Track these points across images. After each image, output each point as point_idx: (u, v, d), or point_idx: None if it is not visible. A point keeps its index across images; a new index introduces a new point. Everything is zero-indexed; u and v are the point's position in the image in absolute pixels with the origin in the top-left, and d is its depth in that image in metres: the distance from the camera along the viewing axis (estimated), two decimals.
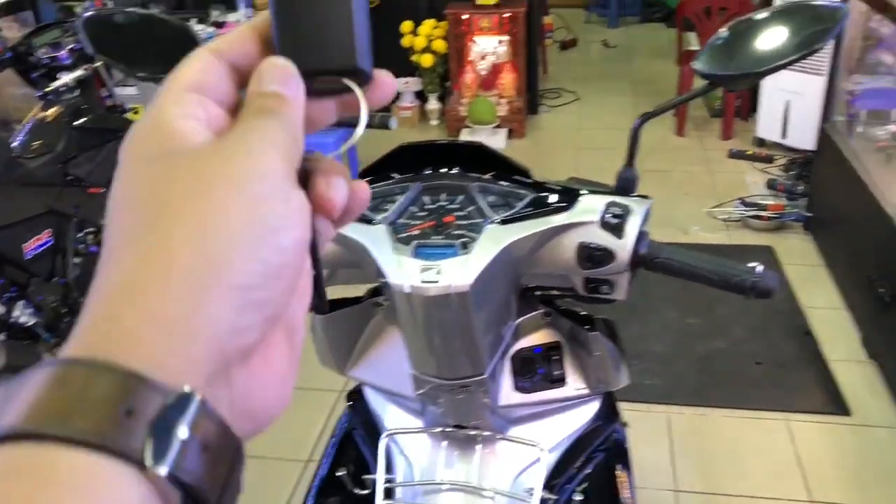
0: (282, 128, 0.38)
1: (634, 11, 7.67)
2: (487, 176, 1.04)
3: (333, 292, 1.17)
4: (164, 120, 0.36)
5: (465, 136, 4.77)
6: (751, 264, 0.98)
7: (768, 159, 4.27)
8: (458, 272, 0.92)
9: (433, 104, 5.08)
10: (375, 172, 1.08)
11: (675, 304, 3.01)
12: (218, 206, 0.34)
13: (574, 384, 1.12)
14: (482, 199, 1.02)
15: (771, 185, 3.88)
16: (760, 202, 3.70)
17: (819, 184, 3.51)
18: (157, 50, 1.03)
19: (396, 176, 1.06)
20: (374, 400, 1.26)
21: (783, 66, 0.89)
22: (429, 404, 1.10)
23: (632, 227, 0.96)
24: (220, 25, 3.74)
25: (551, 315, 1.12)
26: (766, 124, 4.42)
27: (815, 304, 2.97)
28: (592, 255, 0.96)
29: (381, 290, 1.17)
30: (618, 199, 0.98)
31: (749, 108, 4.86)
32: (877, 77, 3.48)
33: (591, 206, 0.98)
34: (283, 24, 0.40)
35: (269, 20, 0.40)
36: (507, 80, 4.79)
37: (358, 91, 0.42)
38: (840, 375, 2.64)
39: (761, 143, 4.51)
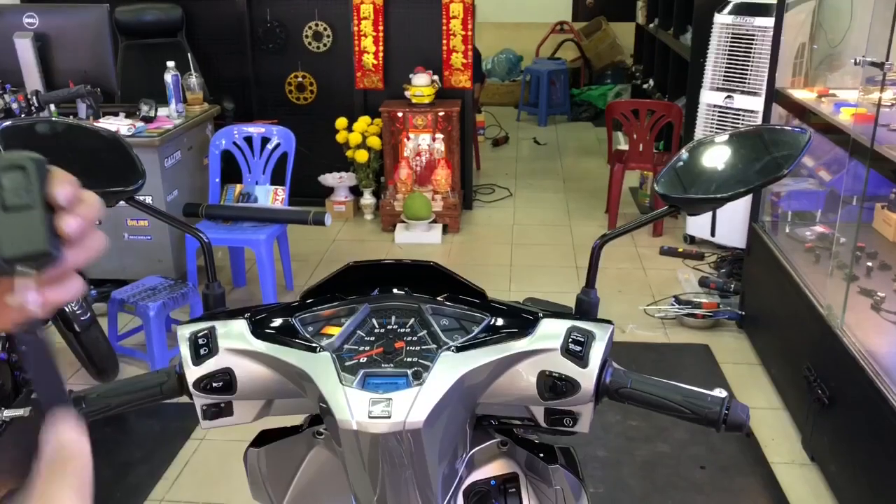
0: None
1: (563, 110, 7.92)
2: (440, 297, 0.98)
3: (268, 423, 1.08)
4: None
5: (400, 231, 4.73)
6: (716, 392, 0.93)
7: (699, 256, 4.36)
8: (411, 407, 0.84)
9: (368, 199, 5.05)
10: (321, 293, 1.00)
11: (616, 407, 2.95)
12: None
13: None
14: (435, 323, 0.95)
15: (703, 282, 3.94)
16: (694, 300, 3.73)
17: (751, 282, 3.57)
18: (84, 162, 0.95)
19: (343, 297, 0.98)
20: None
21: (746, 193, 0.87)
22: None
23: (595, 355, 0.90)
24: (149, 120, 3.65)
25: (507, 444, 1.04)
26: (696, 223, 4.53)
27: (755, 404, 2.96)
28: (555, 385, 0.90)
29: (321, 417, 1.07)
30: (579, 323, 0.93)
31: None
32: (799, 179, 3.61)
33: (551, 332, 0.92)
34: None
35: None
36: (442, 175, 4.81)
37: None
38: (784, 479, 2.60)
39: (691, 240, 4.61)
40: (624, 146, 5.07)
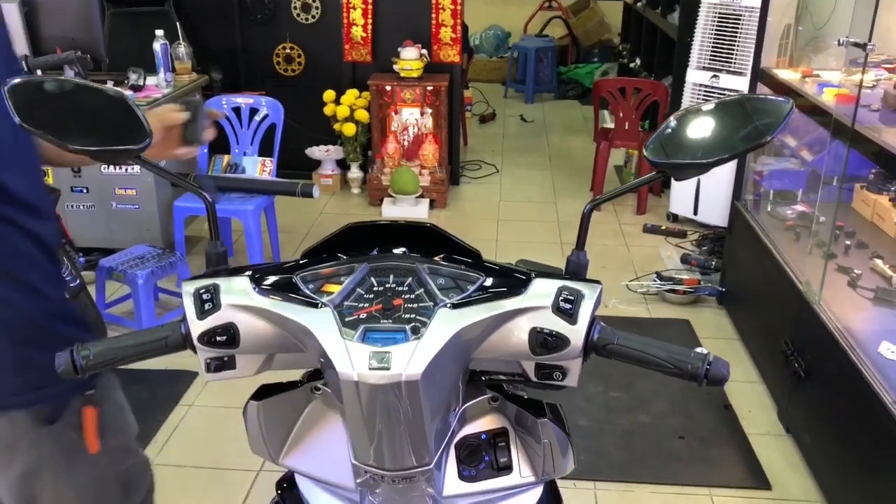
0: None
1: (550, 88, 7.93)
2: (437, 257, 1.01)
3: (268, 377, 1.11)
4: None
5: (387, 205, 4.76)
6: (699, 350, 0.97)
7: (681, 234, 4.42)
8: (409, 360, 0.88)
9: (355, 173, 5.07)
10: (321, 252, 1.03)
11: (597, 378, 3.03)
12: None
13: (521, 472, 1.08)
14: (431, 282, 0.98)
15: (685, 259, 4.00)
16: (676, 276, 3.80)
17: (731, 259, 3.63)
18: (91, 121, 0.97)
19: (343, 256, 1.02)
20: (308, 490, 1.18)
21: (731, 159, 0.91)
22: (368, 495, 1.04)
23: (584, 313, 0.94)
24: (138, 89, 3.64)
25: (498, 400, 1.08)
26: (679, 201, 4.58)
27: (733, 377, 3.01)
28: (545, 341, 0.94)
29: (319, 373, 1.11)
30: (569, 283, 0.97)
31: (662, 184, 5.04)
32: (781, 159, 3.67)
33: (543, 291, 0.96)
34: None
35: None
36: (430, 151, 4.83)
37: None
38: (759, 449, 2.68)
39: (674, 218, 4.67)
40: (610, 124, 5.11)
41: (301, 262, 1.02)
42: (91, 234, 3.70)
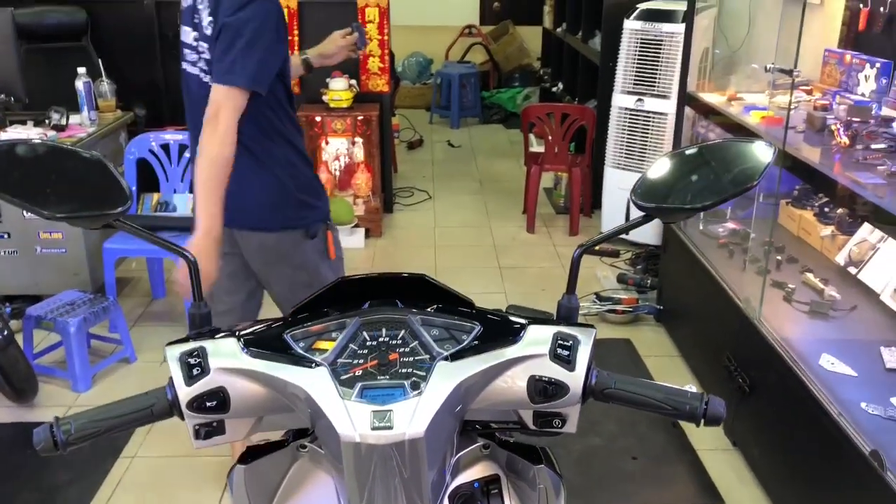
0: None
1: (474, 113, 8.02)
2: (429, 308, 1.00)
3: (252, 439, 1.08)
4: None
5: None
6: (694, 390, 0.99)
7: (615, 254, 4.51)
8: (412, 417, 0.86)
9: None
10: (310, 308, 1.01)
11: None
12: None
13: None
14: (426, 333, 0.97)
15: (621, 279, 4.09)
16: (614, 296, 3.87)
17: (667, 278, 3.73)
18: (68, 186, 0.93)
19: (333, 312, 1.00)
20: None
21: (721, 202, 0.93)
22: None
23: (582, 359, 0.94)
24: (60, 129, 3.51)
25: (489, 447, 1.07)
26: (611, 221, 4.68)
27: None
28: (545, 389, 0.94)
29: (303, 431, 1.08)
30: (564, 329, 0.97)
31: (591, 205, 5.15)
32: None
33: (538, 338, 0.96)
34: None
35: None
36: (362, 180, 4.81)
37: None
38: (709, 464, 2.74)
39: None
40: (538, 148, 5.19)
41: (291, 318, 1.00)
42: (14, 282, 3.53)
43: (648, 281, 3.98)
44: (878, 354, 2.45)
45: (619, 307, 3.79)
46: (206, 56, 1.97)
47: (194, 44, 2.02)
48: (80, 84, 3.58)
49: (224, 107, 1.87)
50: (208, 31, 1.94)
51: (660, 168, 1.00)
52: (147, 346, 3.44)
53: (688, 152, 1.00)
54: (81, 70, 3.63)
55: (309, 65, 2.47)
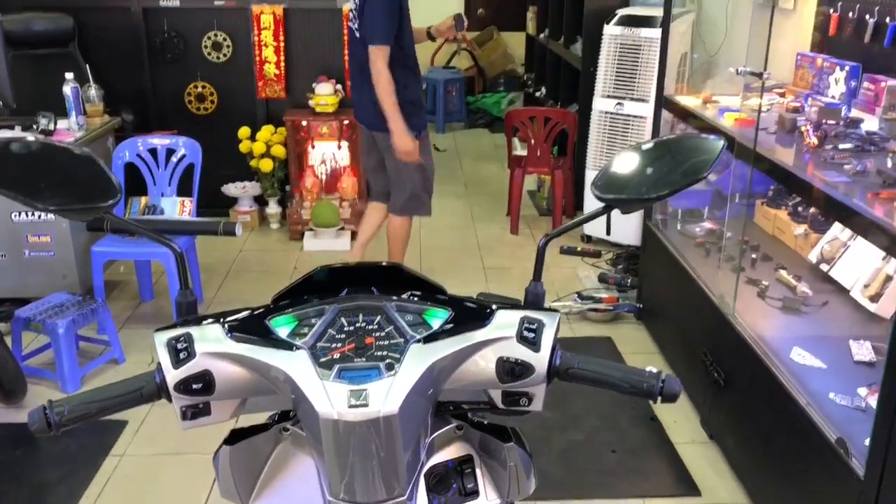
0: None
1: (460, 118, 8.10)
2: (404, 295, 1.07)
3: (236, 422, 1.13)
4: None
5: (308, 239, 4.76)
6: (650, 369, 1.06)
7: (597, 254, 4.58)
8: (386, 395, 0.92)
9: (273, 208, 5.05)
10: (290, 296, 1.07)
11: None
12: None
13: (487, 496, 1.13)
14: (400, 319, 1.03)
15: (602, 278, 4.16)
16: (595, 295, 3.94)
17: (647, 277, 3.80)
18: (59, 180, 0.98)
19: (313, 299, 1.06)
20: None
21: (672, 194, 1.00)
22: None
23: (547, 341, 1.01)
24: (48, 133, 3.55)
25: (463, 428, 1.13)
26: (592, 223, 4.75)
27: None
28: (512, 369, 1.00)
29: (286, 415, 1.14)
30: (530, 313, 1.03)
31: (574, 206, 5.22)
32: None
33: (506, 322, 1.02)
34: None
35: None
36: (349, 183, 4.87)
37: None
38: (686, 457, 2.81)
39: (588, 239, 4.84)
40: (522, 151, 5.26)
41: (273, 306, 1.06)
42: (2, 284, 3.57)
43: (629, 280, 4.05)
44: (847, 348, 2.52)
45: (600, 306, 3.86)
46: (358, 21, 3.47)
47: (354, 10, 3.50)
48: (67, 89, 3.62)
49: (377, 58, 3.34)
50: (358, 3, 3.44)
51: (619, 162, 1.06)
52: (135, 347, 3.49)
53: (644, 147, 1.07)
54: (69, 75, 3.67)
55: (430, 35, 3.93)
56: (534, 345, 1.00)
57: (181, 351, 0.99)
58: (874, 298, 2.62)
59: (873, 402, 2.03)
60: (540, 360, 1.00)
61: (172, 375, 0.98)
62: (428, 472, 1.11)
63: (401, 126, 3.40)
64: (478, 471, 1.13)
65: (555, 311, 1.05)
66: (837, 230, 2.89)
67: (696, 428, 2.97)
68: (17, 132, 3.49)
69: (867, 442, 1.93)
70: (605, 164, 1.05)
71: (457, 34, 3.87)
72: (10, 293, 3.58)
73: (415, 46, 3.65)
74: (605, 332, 3.77)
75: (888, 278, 2.61)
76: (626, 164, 1.06)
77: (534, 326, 1.01)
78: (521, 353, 1.00)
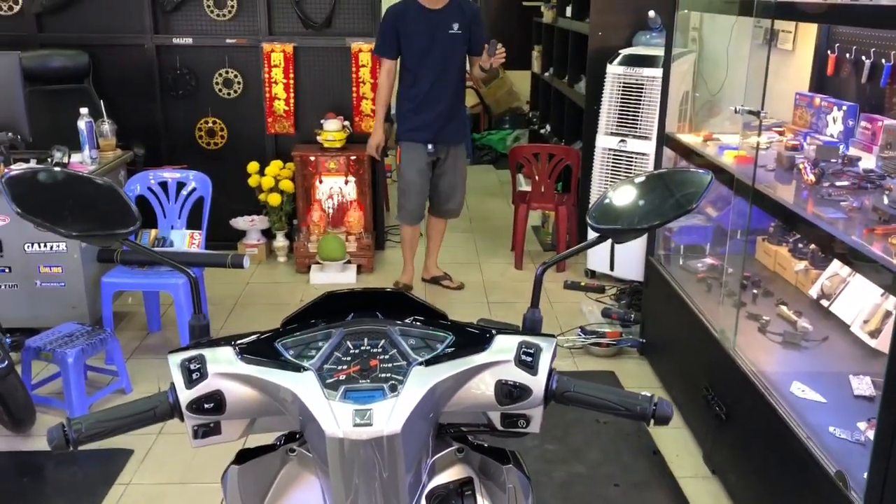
0: None
1: (466, 154, 8.17)
2: (407, 320, 1.11)
3: (244, 443, 1.17)
4: None
5: (315, 272, 4.81)
6: (645, 393, 1.10)
7: (600, 289, 4.61)
8: (389, 415, 0.96)
9: (281, 241, 5.11)
10: (299, 320, 1.11)
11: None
12: None
13: None
14: (403, 342, 1.08)
15: (606, 313, 4.19)
16: (599, 330, 3.97)
17: (649, 312, 3.83)
18: (82, 208, 1.04)
19: (321, 323, 1.10)
20: None
21: (662, 225, 1.05)
22: None
23: (544, 364, 1.05)
24: (62, 167, 3.63)
25: (464, 451, 1.17)
26: (596, 258, 4.81)
27: None
28: (510, 392, 1.04)
29: (293, 436, 1.18)
30: (528, 338, 1.08)
31: (577, 241, 5.27)
32: (689, 216, 3.92)
33: (505, 346, 1.07)
34: None
35: None
36: (355, 217, 4.93)
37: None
38: (689, 491, 2.82)
39: (592, 274, 4.88)
40: (526, 187, 5.33)
41: (281, 329, 1.10)
42: (13, 314, 3.62)
43: (632, 315, 4.08)
44: (847, 382, 2.55)
45: (603, 340, 3.89)
46: None
47: None
48: (82, 124, 3.71)
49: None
50: None
51: (613, 194, 1.12)
52: (142, 377, 3.52)
53: (637, 180, 1.12)
54: (84, 110, 3.76)
55: (482, 67, 4.41)
56: (531, 368, 1.04)
57: (194, 372, 1.03)
58: (874, 334, 2.65)
59: (872, 435, 2.05)
60: (537, 383, 1.04)
61: (185, 395, 1.03)
62: (429, 494, 1.14)
63: (378, 124, 4.49)
64: (478, 493, 1.17)
65: (552, 336, 1.10)
66: (837, 266, 2.93)
67: (699, 462, 2.98)
68: (32, 165, 3.57)
69: (866, 475, 1.95)
70: None
71: (490, 60, 4.21)
72: (21, 323, 3.63)
73: (430, 76, 4.26)
74: (609, 366, 3.79)
75: (887, 314, 2.64)
76: (620, 196, 1.11)
77: (531, 350, 1.05)
78: (519, 376, 1.04)
